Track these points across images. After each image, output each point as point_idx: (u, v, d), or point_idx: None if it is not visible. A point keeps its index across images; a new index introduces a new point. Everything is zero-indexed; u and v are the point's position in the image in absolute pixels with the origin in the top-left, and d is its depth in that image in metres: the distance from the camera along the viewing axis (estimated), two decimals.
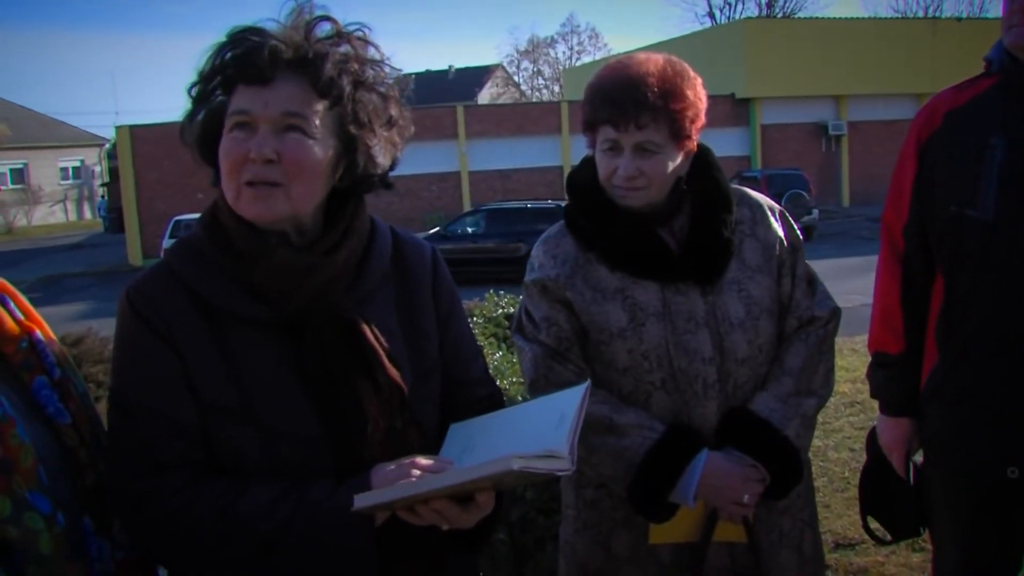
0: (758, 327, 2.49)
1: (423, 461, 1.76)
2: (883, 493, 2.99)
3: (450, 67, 78.41)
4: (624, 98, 2.37)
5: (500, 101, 61.99)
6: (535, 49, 71.22)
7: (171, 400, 1.78)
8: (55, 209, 58.00)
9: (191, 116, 1.88)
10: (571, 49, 70.40)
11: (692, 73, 2.47)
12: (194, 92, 1.86)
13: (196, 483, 1.76)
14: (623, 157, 2.42)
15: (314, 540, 1.72)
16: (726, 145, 35.07)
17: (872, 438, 3.00)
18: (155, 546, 1.80)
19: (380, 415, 1.87)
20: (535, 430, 1.78)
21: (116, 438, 1.81)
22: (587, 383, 1.85)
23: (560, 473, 1.68)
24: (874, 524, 3.10)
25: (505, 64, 74.59)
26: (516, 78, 73.53)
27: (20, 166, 56.24)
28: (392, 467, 1.76)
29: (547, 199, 25.62)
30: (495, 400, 2.15)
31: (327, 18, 1.87)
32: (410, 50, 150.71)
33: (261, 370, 1.82)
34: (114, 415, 1.82)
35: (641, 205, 2.47)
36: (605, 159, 2.46)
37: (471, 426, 1.95)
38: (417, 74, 78.66)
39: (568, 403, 1.79)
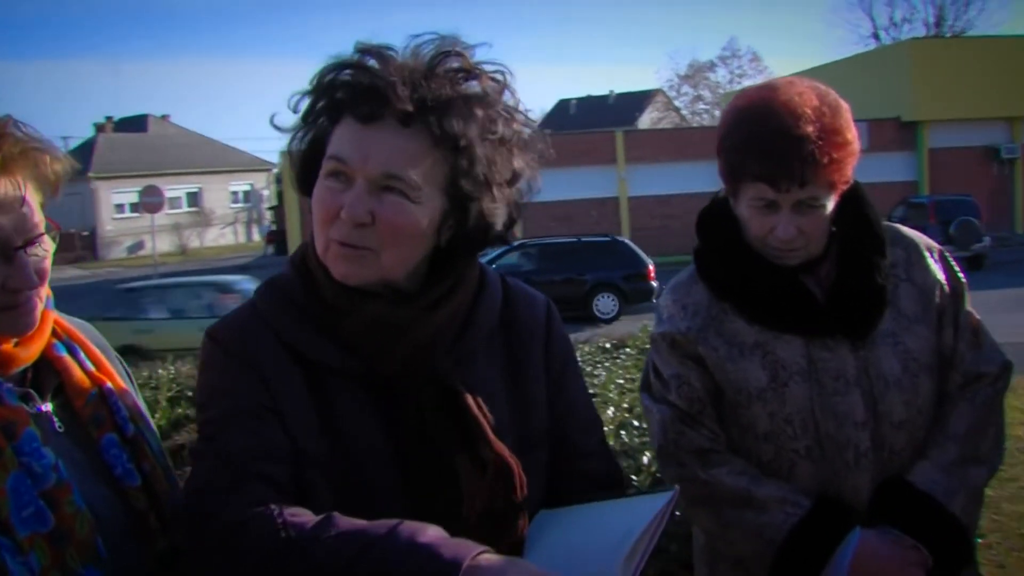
0: (917, 385, 2.21)
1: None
2: None
3: (610, 92, 78.62)
4: (784, 154, 2.08)
5: (660, 126, 61.63)
6: (695, 73, 70.52)
7: (259, 422, 1.63)
8: (225, 231, 60.19)
9: (296, 136, 1.73)
10: (732, 73, 69.41)
11: (844, 104, 2.20)
12: (300, 108, 1.71)
13: (274, 501, 1.55)
14: (780, 215, 2.15)
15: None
16: (891, 170, 34.20)
17: None
18: (212, 561, 1.55)
19: (478, 495, 1.66)
20: (598, 544, 1.56)
21: (198, 461, 1.66)
22: (675, 490, 1.61)
23: None
24: None
25: (665, 88, 74.13)
26: (676, 102, 72.99)
27: (195, 190, 58.65)
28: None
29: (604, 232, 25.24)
30: (613, 477, 1.92)
31: (455, 53, 1.68)
32: (571, 75, 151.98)
33: (356, 427, 1.67)
34: (198, 444, 1.69)
35: (799, 263, 2.22)
36: (758, 217, 2.18)
37: (558, 516, 1.73)
38: (578, 99, 79.38)
39: (643, 514, 1.56)
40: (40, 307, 1.71)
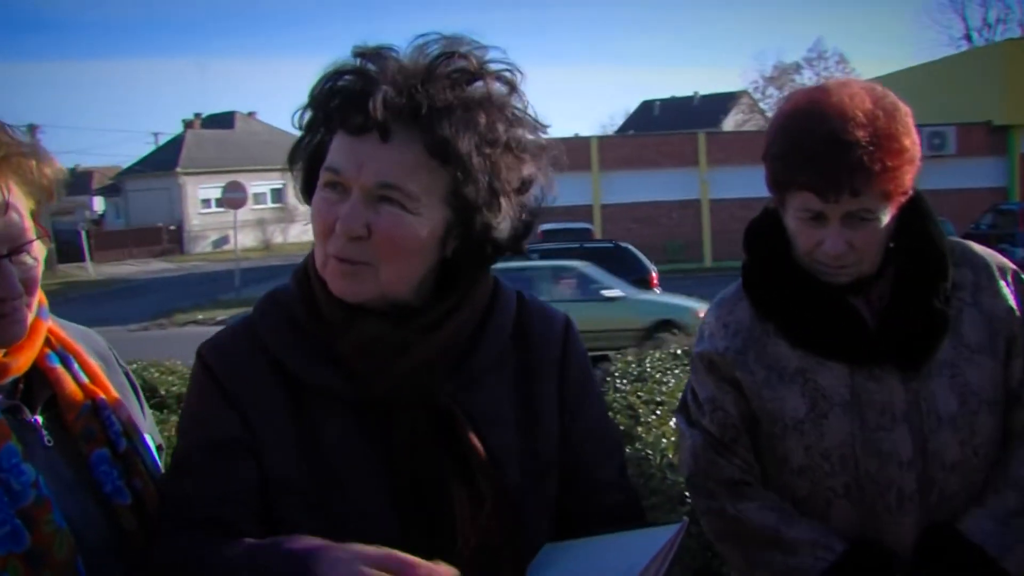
0: (975, 424, 2.00)
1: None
2: None
3: (695, 93, 78.19)
4: (831, 162, 1.90)
5: (745, 128, 60.99)
6: (781, 75, 69.53)
7: (226, 459, 1.57)
8: (308, 228, 60.63)
9: (299, 143, 1.67)
10: (818, 75, 68.26)
11: (903, 107, 2.00)
12: (302, 119, 1.63)
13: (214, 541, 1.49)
14: (828, 229, 1.97)
15: None
16: (980, 176, 33.57)
17: None
18: None
19: (472, 530, 1.56)
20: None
21: (162, 494, 1.65)
22: (684, 522, 1.50)
23: None
24: None
25: (750, 90, 73.36)
26: (761, 105, 72.14)
27: (279, 186, 59.34)
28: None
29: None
30: (630, 509, 1.79)
31: (458, 54, 1.57)
32: (656, 76, 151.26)
33: (344, 454, 1.58)
34: (167, 474, 1.68)
35: (849, 281, 2.04)
36: (805, 230, 2.00)
37: (563, 550, 1.62)
38: (662, 100, 79.17)
39: (649, 547, 1.47)
40: (30, 316, 1.65)
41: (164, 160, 58.39)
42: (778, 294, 2.10)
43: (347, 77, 1.56)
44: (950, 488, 2.00)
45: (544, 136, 1.66)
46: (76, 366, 1.76)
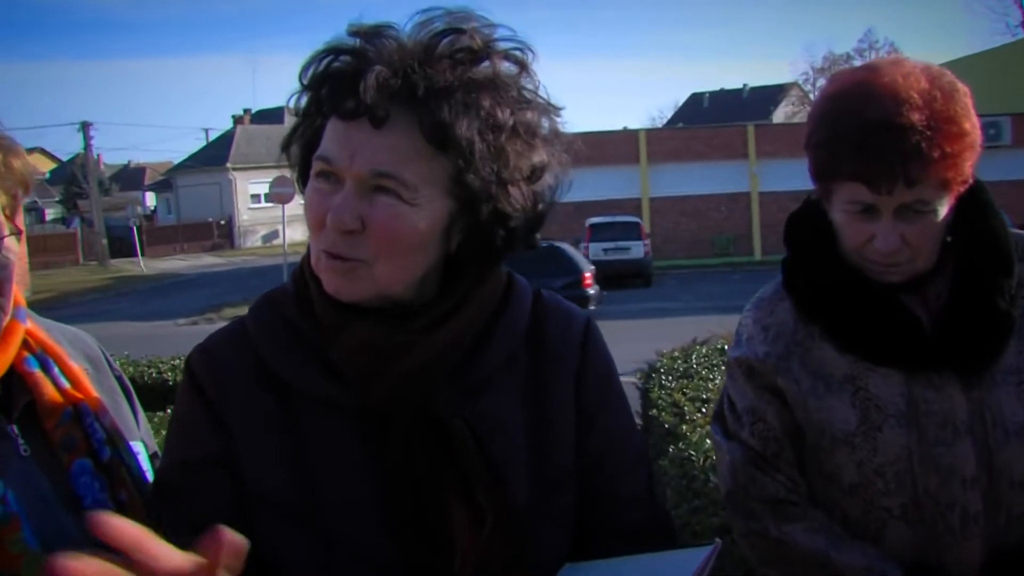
0: None
1: None
2: None
3: (744, 86, 78.15)
4: (884, 148, 1.71)
5: (795, 120, 60.58)
6: (831, 66, 68.98)
7: (202, 479, 1.47)
8: None
9: (294, 130, 1.54)
10: None
11: (961, 87, 1.81)
12: (297, 104, 1.50)
13: None
14: (880, 223, 1.78)
15: None
16: None
17: None
18: None
19: (473, 549, 1.43)
20: None
21: (147, 513, 1.56)
22: (716, 543, 1.36)
23: None
24: None
25: (800, 82, 72.99)
26: (812, 96, 71.64)
27: None
28: None
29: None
30: (657, 527, 1.62)
31: (462, 31, 1.42)
32: (705, 69, 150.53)
33: (335, 467, 1.46)
34: (151, 488, 1.60)
35: (904, 280, 1.86)
36: (853, 224, 1.82)
37: (584, 572, 1.48)
38: (711, 93, 79.10)
39: (679, 571, 1.35)
40: (4, 319, 1.53)
41: (214, 156, 59.23)
42: (824, 293, 1.92)
43: (342, 58, 1.43)
44: (1019, 508, 1.82)
45: (559, 120, 1.51)
46: (56, 370, 1.64)
